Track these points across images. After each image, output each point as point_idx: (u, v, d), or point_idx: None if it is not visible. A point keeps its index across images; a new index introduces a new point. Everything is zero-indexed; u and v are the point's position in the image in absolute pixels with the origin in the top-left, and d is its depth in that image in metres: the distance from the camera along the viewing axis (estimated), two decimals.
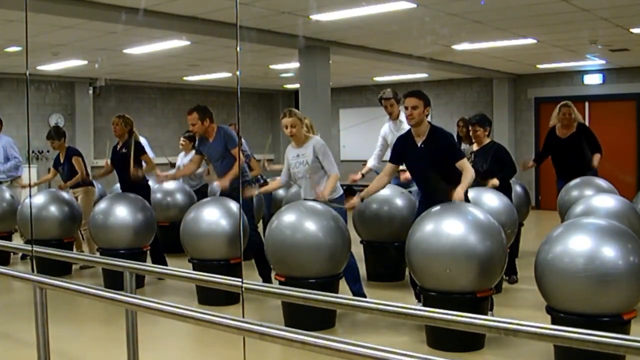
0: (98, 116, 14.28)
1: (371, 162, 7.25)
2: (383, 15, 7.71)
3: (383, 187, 5.68)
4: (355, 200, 5.59)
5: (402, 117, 6.99)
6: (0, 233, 7.99)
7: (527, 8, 7.45)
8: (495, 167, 6.45)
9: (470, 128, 6.79)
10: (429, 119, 5.37)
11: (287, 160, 6.00)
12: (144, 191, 7.28)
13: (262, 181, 8.22)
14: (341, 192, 5.92)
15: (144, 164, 7.36)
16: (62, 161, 8.03)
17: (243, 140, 9.39)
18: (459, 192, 4.93)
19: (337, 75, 11.83)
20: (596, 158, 7.53)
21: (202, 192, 8.88)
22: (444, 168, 5.15)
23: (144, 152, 7.45)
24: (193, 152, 9.03)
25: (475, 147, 6.73)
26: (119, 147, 7.41)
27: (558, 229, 4.37)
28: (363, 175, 7.15)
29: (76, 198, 8.02)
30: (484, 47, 10.11)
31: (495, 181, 6.36)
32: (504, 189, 6.56)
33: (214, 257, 6.10)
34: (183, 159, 9.20)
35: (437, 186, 5.14)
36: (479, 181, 6.05)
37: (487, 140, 6.65)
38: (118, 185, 9.27)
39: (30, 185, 8.16)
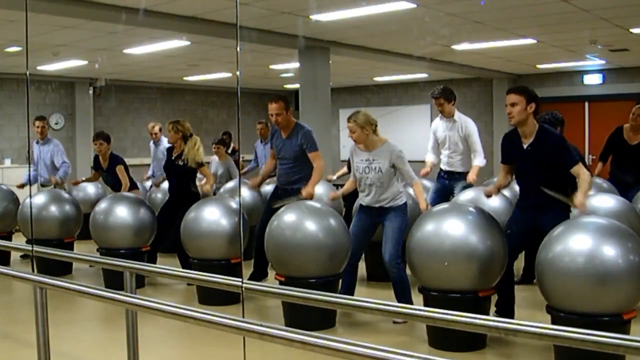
0: (98, 116, 14.28)
1: (431, 158, 7.21)
2: (383, 16, 7.71)
3: (506, 185, 5.36)
4: (492, 189, 5.29)
5: (458, 117, 7.00)
6: (0, 233, 7.99)
7: (527, 8, 7.45)
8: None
9: None
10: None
11: (354, 163, 5.54)
12: (191, 203, 6.71)
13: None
14: (405, 199, 5.49)
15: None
16: (104, 167, 7.86)
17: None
18: (580, 198, 4.52)
19: (337, 75, 11.84)
20: None
21: None
22: (553, 174, 4.72)
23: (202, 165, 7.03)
24: (229, 159, 8.90)
25: None
26: (174, 156, 7.02)
27: (558, 228, 4.37)
28: (427, 173, 7.12)
29: None
30: (483, 47, 10.12)
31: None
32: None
33: (214, 257, 6.10)
34: (218, 168, 9.08)
35: (542, 193, 4.72)
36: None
37: None
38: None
39: (30, 185, 8.14)
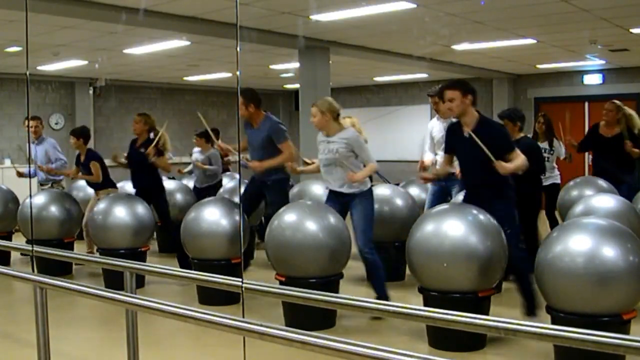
0: (98, 116, 14.28)
1: (429, 156, 7.19)
2: (383, 16, 7.71)
3: (449, 172, 5.69)
4: (429, 175, 5.51)
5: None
6: (0, 233, 7.99)
7: (527, 8, 7.45)
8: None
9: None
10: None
11: (318, 145, 5.80)
12: (158, 190, 7.24)
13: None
14: (369, 185, 5.70)
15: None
16: (82, 161, 7.94)
17: None
18: (503, 164, 4.81)
19: (337, 76, 11.83)
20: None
21: (212, 191, 8.76)
22: (489, 161, 4.87)
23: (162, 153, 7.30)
24: (211, 150, 8.99)
25: None
26: (137, 144, 7.32)
27: (558, 228, 4.38)
28: (426, 168, 7.12)
29: (98, 200, 8.02)
30: (483, 47, 10.12)
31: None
32: (534, 183, 6.48)
33: (214, 257, 6.11)
34: (197, 155, 9.13)
35: (482, 180, 5.00)
36: None
37: (519, 135, 6.45)
38: (119, 184, 9.25)
39: (30, 177, 8.10)
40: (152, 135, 7.35)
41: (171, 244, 7.48)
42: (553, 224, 7.57)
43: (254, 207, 6.80)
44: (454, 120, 5.29)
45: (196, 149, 9.24)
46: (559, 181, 7.68)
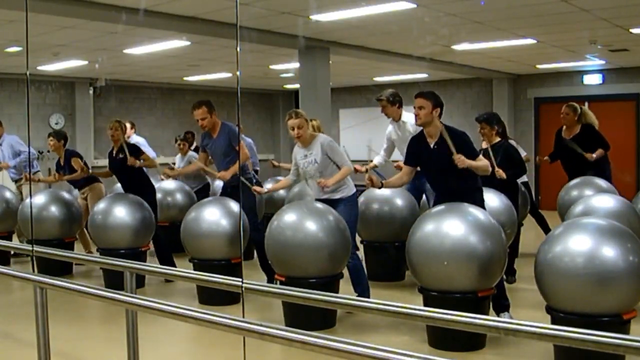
0: (98, 116, 14.27)
1: (377, 160, 7.27)
2: (383, 16, 7.71)
3: (400, 185, 5.69)
4: (378, 183, 5.45)
5: (406, 117, 6.98)
6: (1, 233, 7.99)
7: (527, 8, 7.45)
8: (504, 165, 6.33)
9: (479, 126, 6.72)
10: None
11: (295, 160, 5.92)
12: (149, 193, 7.26)
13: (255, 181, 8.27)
14: (354, 190, 5.80)
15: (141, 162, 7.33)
16: (62, 164, 8.00)
17: (251, 143, 9.42)
18: (464, 158, 4.91)
19: (337, 76, 11.83)
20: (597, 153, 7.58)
21: (203, 193, 8.86)
22: (458, 169, 4.99)
23: (141, 152, 7.42)
24: (190, 153, 9.07)
25: (484, 145, 6.67)
26: (114, 153, 7.40)
27: (558, 228, 4.38)
28: (367, 170, 7.15)
29: (85, 198, 8.03)
30: (483, 48, 10.11)
31: (502, 172, 6.20)
32: (511, 187, 6.54)
33: (214, 257, 6.11)
34: (180, 162, 9.19)
35: (452, 188, 5.09)
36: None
37: (497, 139, 6.56)
38: (118, 184, 9.29)
39: (30, 180, 8.12)
40: (137, 139, 7.42)
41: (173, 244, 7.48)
42: (538, 219, 7.97)
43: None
44: (417, 132, 5.43)
45: (178, 156, 9.34)
46: (526, 179, 7.89)
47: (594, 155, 7.54)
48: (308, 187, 5.91)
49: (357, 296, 5.52)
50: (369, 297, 5.56)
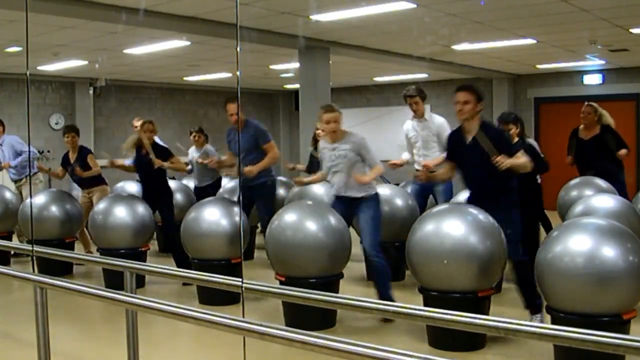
0: (98, 116, 14.28)
1: (406, 156, 7.23)
2: (383, 16, 7.71)
3: (448, 179, 5.68)
4: (423, 174, 5.54)
5: (429, 116, 6.94)
6: (1, 233, 7.99)
7: (527, 8, 7.45)
8: None
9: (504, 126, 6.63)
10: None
11: (321, 154, 5.83)
12: (166, 195, 7.21)
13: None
14: (376, 189, 5.73)
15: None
16: (72, 160, 7.95)
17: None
18: (504, 158, 4.72)
19: (337, 76, 11.83)
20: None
21: (215, 188, 8.78)
22: (492, 166, 4.79)
23: (170, 154, 7.27)
24: (207, 146, 9.01)
25: None
26: (143, 151, 7.19)
27: (558, 228, 4.38)
28: (400, 165, 7.13)
29: (90, 198, 8.02)
30: (483, 47, 10.11)
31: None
32: (534, 187, 6.48)
33: (214, 257, 6.11)
34: (194, 154, 9.13)
35: (486, 187, 4.97)
36: None
37: (516, 138, 6.43)
38: (119, 185, 9.27)
39: (30, 183, 8.15)
40: (156, 139, 7.36)
41: (169, 245, 7.47)
42: (544, 222, 7.69)
43: (248, 210, 6.92)
44: (455, 128, 5.27)
45: (192, 148, 9.26)
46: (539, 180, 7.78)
47: (622, 153, 7.45)
48: (330, 182, 5.77)
49: (380, 298, 5.41)
50: (392, 298, 5.38)
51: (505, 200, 4.97)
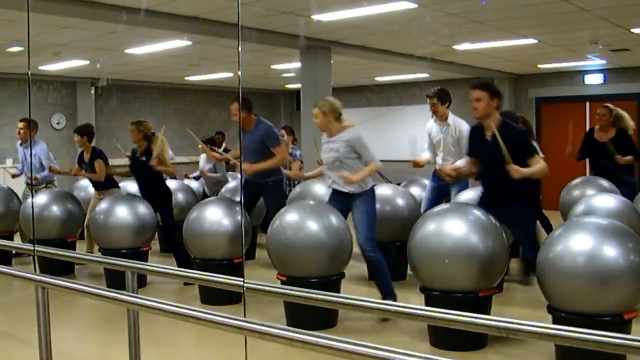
0: (100, 116, 14.29)
1: (428, 155, 7.17)
2: (384, 16, 7.72)
3: (472, 175, 5.57)
4: (448, 171, 5.53)
5: (452, 120, 6.86)
6: (2, 233, 7.99)
7: (528, 8, 7.46)
8: None
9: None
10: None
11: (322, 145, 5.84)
12: (165, 197, 7.20)
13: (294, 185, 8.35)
14: (372, 184, 5.68)
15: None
16: (87, 160, 7.95)
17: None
18: (516, 167, 4.71)
19: (338, 76, 11.83)
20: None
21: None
22: (514, 163, 4.80)
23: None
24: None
25: None
26: (139, 153, 7.21)
27: (559, 228, 4.38)
28: (422, 165, 7.11)
29: (101, 200, 8.01)
30: (485, 48, 10.11)
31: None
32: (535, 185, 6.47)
33: (216, 257, 6.11)
34: (206, 165, 9.15)
35: (501, 188, 4.95)
36: None
37: None
38: (120, 185, 9.27)
39: (32, 182, 8.11)
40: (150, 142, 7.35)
41: (170, 246, 7.48)
42: (542, 221, 7.70)
43: (251, 208, 6.95)
44: (476, 124, 5.24)
45: (203, 156, 9.26)
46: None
47: (625, 159, 7.38)
48: (328, 175, 5.77)
49: (381, 293, 5.47)
50: (393, 292, 5.45)
51: (521, 199, 4.95)
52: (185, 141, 12.98)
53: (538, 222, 7.98)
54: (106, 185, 7.83)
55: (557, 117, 13.39)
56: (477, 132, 5.19)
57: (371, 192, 5.64)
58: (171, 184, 8.76)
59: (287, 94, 17.56)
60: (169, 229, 7.24)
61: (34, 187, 8.56)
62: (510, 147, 4.82)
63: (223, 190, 8.72)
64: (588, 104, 13.19)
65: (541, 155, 6.74)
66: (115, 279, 5.72)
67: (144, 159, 7.09)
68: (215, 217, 6.14)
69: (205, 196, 9.05)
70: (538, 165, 4.86)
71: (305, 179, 7.10)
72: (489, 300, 4.77)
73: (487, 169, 5.17)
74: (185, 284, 6.70)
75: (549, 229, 7.87)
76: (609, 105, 7.70)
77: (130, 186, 9.18)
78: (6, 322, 5.76)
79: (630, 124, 7.68)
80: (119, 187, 8.08)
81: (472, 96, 4.97)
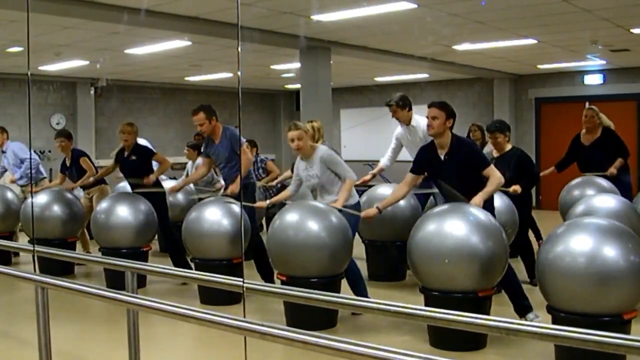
0: (100, 116, 14.29)
1: (383, 162, 7.24)
2: (384, 16, 7.72)
3: (402, 197, 5.65)
4: (373, 211, 5.52)
5: (416, 122, 6.89)
6: (3, 233, 7.99)
7: (528, 8, 7.46)
8: (517, 174, 6.28)
9: (489, 135, 6.63)
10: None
11: (297, 171, 5.86)
12: (158, 195, 7.14)
13: (279, 186, 8.29)
14: (357, 198, 5.79)
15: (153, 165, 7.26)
16: (68, 164, 7.98)
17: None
18: (476, 200, 4.86)
19: (338, 76, 11.84)
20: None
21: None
22: (469, 179, 5.04)
23: (153, 153, 7.29)
24: (200, 159, 9.05)
25: (495, 154, 6.54)
26: (126, 154, 7.20)
27: (559, 228, 4.38)
28: (374, 175, 7.16)
29: (90, 199, 8.02)
30: (485, 48, 10.11)
31: (517, 187, 6.19)
32: (525, 198, 6.49)
33: (215, 257, 6.11)
34: (192, 169, 9.16)
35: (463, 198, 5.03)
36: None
37: (509, 147, 6.50)
38: (121, 184, 9.27)
39: (31, 188, 8.16)
40: (140, 140, 7.36)
41: (168, 244, 7.47)
42: (533, 226, 7.71)
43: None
44: (427, 142, 5.40)
45: (189, 163, 9.29)
46: None
47: (614, 170, 7.31)
48: (313, 197, 5.85)
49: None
50: (365, 295, 5.50)
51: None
52: (185, 141, 12.95)
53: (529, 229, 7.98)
54: (94, 183, 7.84)
55: (557, 117, 13.40)
56: (427, 150, 5.31)
57: (356, 206, 5.69)
58: (171, 183, 8.76)
59: (287, 94, 17.56)
60: (165, 228, 7.22)
61: (24, 187, 8.61)
62: (465, 162, 5.05)
63: (221, 192, 8.70)
64: (588, 104, 13.16)
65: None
66: (115, 279, 5.72)
67: (133, 158, 7.11)
68: (215, 217, 6.13)
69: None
70: (493, 179, 5.03)
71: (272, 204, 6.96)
72: (488, 300, 4.77)
73: (443, 185, 5.31)
74: (182, 283, 6.70)
75: (536, 232, 7.87)
76: (592, 107, 7.75)
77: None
78: (6, 321, 5.76)
79: (610, 122, 7.71)
80: (107, 183, 8.10)
81: (428, 113, 5.13)
